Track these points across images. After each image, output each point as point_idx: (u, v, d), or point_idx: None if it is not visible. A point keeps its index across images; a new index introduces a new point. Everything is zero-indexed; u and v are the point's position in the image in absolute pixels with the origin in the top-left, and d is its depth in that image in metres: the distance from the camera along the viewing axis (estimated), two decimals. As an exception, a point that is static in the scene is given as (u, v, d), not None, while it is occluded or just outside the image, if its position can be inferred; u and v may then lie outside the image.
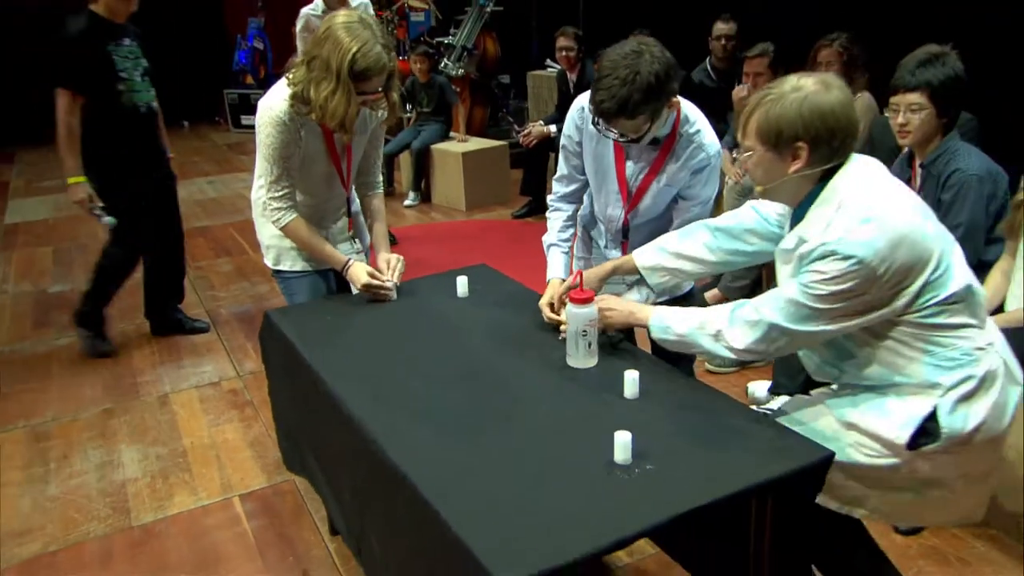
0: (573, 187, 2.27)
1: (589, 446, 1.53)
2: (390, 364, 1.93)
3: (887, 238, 1.47)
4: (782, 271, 1.67)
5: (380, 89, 2.19)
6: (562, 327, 1.95)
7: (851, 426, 1.63)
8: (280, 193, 2.28)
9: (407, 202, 6.19)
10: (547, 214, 2.34)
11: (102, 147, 3.38)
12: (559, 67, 5.72)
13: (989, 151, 2.52)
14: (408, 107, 6.26)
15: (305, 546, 2.42)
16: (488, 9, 6.87)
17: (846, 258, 1.47)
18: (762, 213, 1.89)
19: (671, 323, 1.77)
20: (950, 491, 1.64)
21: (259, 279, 4.70)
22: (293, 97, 2.15)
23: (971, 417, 1.56)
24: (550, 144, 5.48)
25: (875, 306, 1.52)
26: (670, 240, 1.99)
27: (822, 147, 1.54)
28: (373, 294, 2.30)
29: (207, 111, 9.65)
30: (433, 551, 1.41)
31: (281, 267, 2.47)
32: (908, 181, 2.63)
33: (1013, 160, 2.31)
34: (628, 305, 1.89)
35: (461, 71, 6.76)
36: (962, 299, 1.55)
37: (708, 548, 1.81)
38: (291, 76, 2.18)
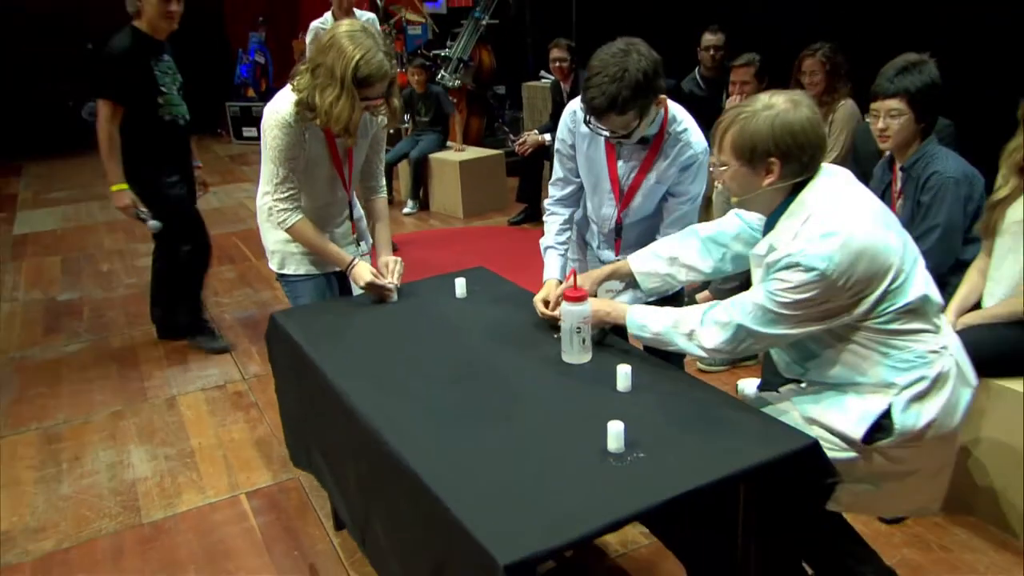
0: (569, 190, 2.31)
1: (584, 436, 1.57)
2: (392, 362, 1.97)
3: (848, 252, 1.53)
4: (755, 273, 1.74)
5: (382, 95, 2.24)
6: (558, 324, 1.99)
7: (813, 421, 1.69)
8: (286, 194, 2.32)
9: (406, 210, 6.23)
10: (544, 218, 2.39)
11: (140, 157, 3.45)
12: (553, 77, 5.78)
13: (966, 155, 2.58)
14: (406, 118, 6.31)
15: (310, 541, 2.46)
16: (484, 22, 6.93)
17: (808, 270, 1.54)
18: (745, 219, 1.94)
19: (647, 322, 1.83)
20: (905, 484, 1.71)
21: (261, 286, 4.74)
22: (298, 103, 2.20)
23: (923, 415, 1.63)
24: (545, 152, 5.53)
25: (836, 313, 1.59)
26: (665, 246, 2.04)
27: (793, 162, 1.60)
28: (375, 293, 2.34)
29: (209, 123, 9.69)
30: (436, 537, 1.45)
31: (286, 271, 2.51)
32: (889, 184, 2.68)
33: (989, 163, 2.35)
34: (605, 304, 1.94)
35: (458, 82, 6.82)
36: (918, 307, 1.62)
37: (700, 536, 1.85)
38: (296, 83, 2.23)
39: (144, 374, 3.65)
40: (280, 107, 2.24)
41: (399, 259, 2.43)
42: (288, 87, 2.26)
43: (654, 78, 1.91)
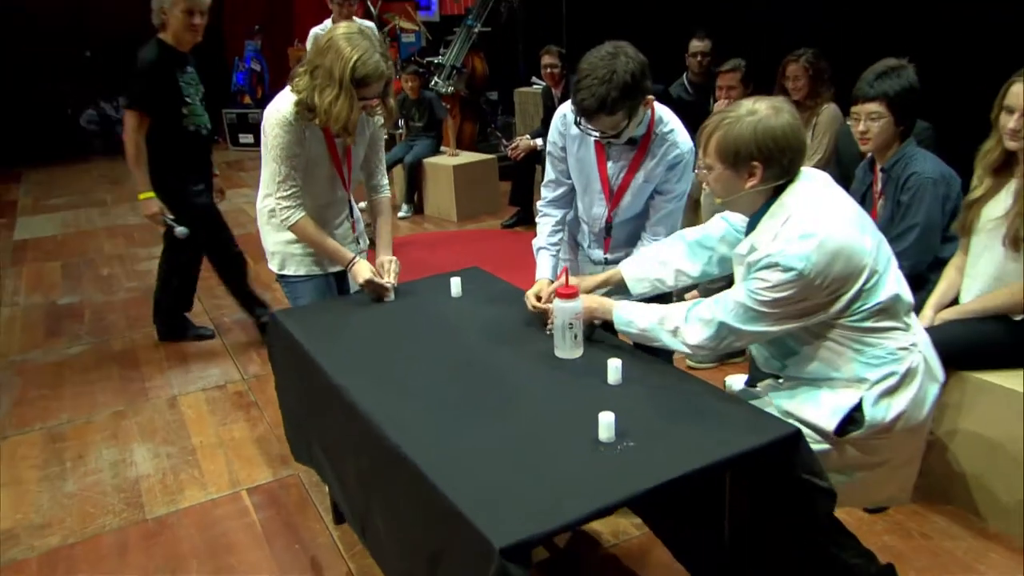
0: (560, 191, 2.35)
1: (576, 427, 1.61)
2: (391, 358, 2.01)
3: (824, 252, 1.58)
4: (737, 272, 1.79)
5: (378, 95, 2.27)
6: (548, 323, 2.03)
7: (789, 415, 1.74)
8: (288, 192, 2.35)
9: (401, 214, 6.26)
10: (537, 219, 2.42)
11: (166, 166, 3.49)
12: (544, 84, 5.82)
13: (945, 156, 2.63)
14: (400, 123, 6.35)
15: (311, 534, 2.48)
16: (476, 30, 6.97)
17: (787, 270, 1.59)
18: (731, 222, 1.99)
19: (634, 317, 1.88)
20: (876, 474, 1.77)
21: (260, 289, 4.72)
22: (298, 103, 2.24)
23: (892, 408, 1.69)
24: (537, 157, 5.57)
25: (813, 311, 1.64)
26: (654, 251, 2.09)
27: (774, 166, 1.65)
28: (372, 291, 2.37)
29: (206, 130, 9.70)
30: (435, 525, 1.48)
31: (286, 272, 2.54)
32: (871, 184, 2.73)
33: (966, 164, 2.40)
34: (593, 301, 1.98)
35: (451, 89, 6.85)
36: (890, 306, 1.67)
37: (689, 524, 1.89)
38: (295, 84, 2.27)
39: (145, 375, 3.67)
40: (281, 107, 2.28)
41: (395, 259, 2.47)
42: (288, 88, 2.30)
43: (641, 79, 1.95)
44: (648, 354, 1.96)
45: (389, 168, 6.30)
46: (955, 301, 2.42)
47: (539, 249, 2.37)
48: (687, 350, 1.80)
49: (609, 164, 2.19)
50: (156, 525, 2.57)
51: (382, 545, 1.81)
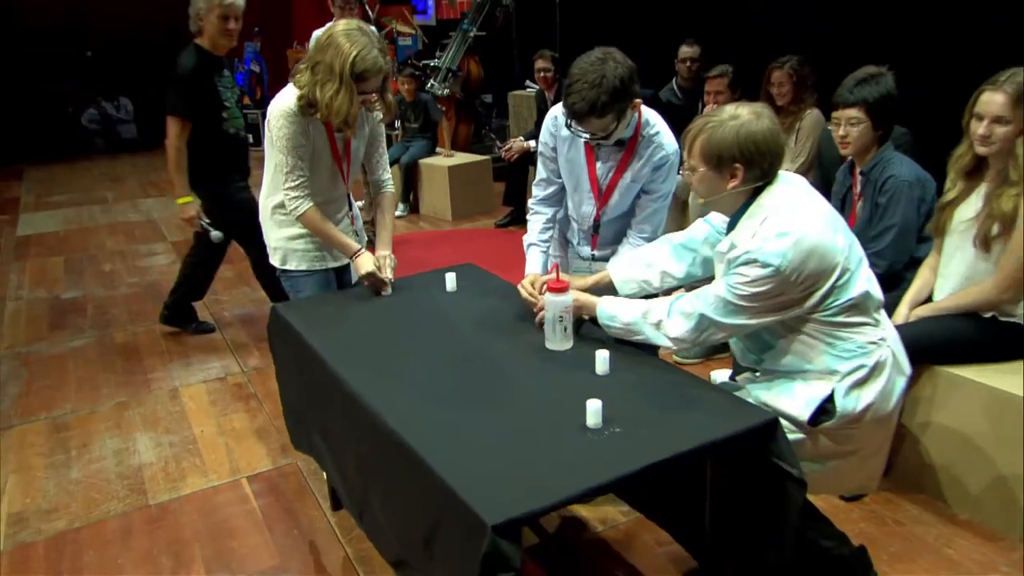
0: (551, 190, 2.41)
1: (565, 414, 1.66)
2: (388, 349, 2.05)
3: (799, 250, 1.65)
4: (718, 269, 1.85)
5: (377, 89, 2.32)
6: (538, 316, 2.08)
7: (765, 406, 1.80)
8: (296, 182, 2.39)
9: (397, 213, 6.30)
10: (527, 216, 2.47)
11: (207, 169, 3.52)
12: (537, 87, 5.89)
13: (923, 161, 2.69)
14: (396, 124, 6.39)
15: (309, 520, 2.53)
16: (472, 34, 7.02)
17: (765, 265, 1.65)
18: (713, 225, 2.05)
19: (617, 312, 1.93)
20: (847, 462, 1.83)
21: (258, 284, 4.78)
22: (300, 99, 2.29)
23: (862, 399, 1.75)
24: (530, 158, 5.62)
25: (788, 305, 1.71)
26: (641, 253, 2.14)
27: (755, 168, 1.72)
28: (372, 284, 2.42)
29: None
30: (430, 505, 1.53)
31: (287, 267, 2.58)
32: (850, 187, 2.80)
33: (941, 168, 2.47)
34: (578, 298, 2.02)
35: (447, 91, 6.90)
36: (861, 302, 1.73)
37: (679, 504, 1.94)
38: (297, 80, 2.32)
39: (147, 367, 3.71)
40: (285, 100, 2.33)
41: (392, 256, 2.51)
42: (290, 84, 2.35)
43: (630, 84, 2.01)
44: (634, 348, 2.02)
45: (386, 168, 6.40)
46: (929, 299, 2.49)
47: (529, 245, 2.42)
48: (669, 343, 1.86)
49: (598, 164, 2.25)
50: (159, 511, 2.61)
51: (379, 527, 1.85)
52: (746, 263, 1.68)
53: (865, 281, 1.75)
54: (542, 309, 2.00)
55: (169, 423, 3.19)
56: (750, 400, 1.82)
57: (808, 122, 3.90)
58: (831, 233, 1.71)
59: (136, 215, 6.66)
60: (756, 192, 1.76)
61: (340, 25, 2.29)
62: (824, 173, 3.80)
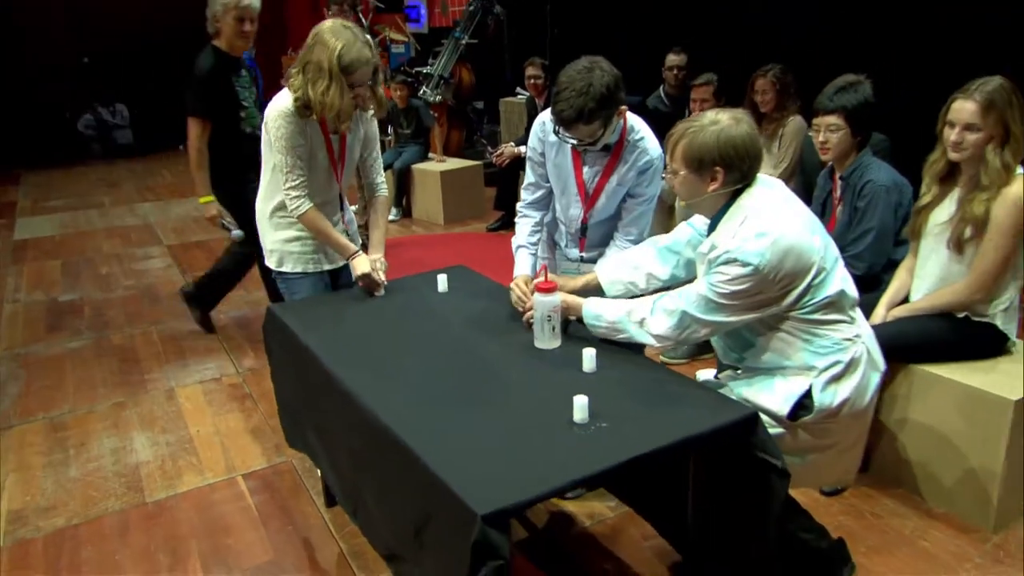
0: (539, 194, 2.44)
1: (553, 409, 1.69)
2: (382, 347, 2.08)
3: (777, 249, 1.70)
4: (700, 268, 1.89)
5: (367, 82, 2.35)
6: (527, 316, 2.11)
7: (746, 401, 1.84)
8: (296, 182, 2.41)
9: (390, 217, 6.32)
10: (516, 220, 2.51)
11: (226, 169, 3.53)
12: (528, 94, 5.92)
13: (901, 166, 2.74)
14: (388, 130, 6.42)
15: (303, 517, 2.55)
16: (463, 42, 7.05)
17: (744, 265, 1.70)
18: (696, 228, 2.09)
19: (602, 311, 1.97)
20: (826, 456, 1.88)
21: (254, 287, 4.78)
22: (296, 100, 2.32)
23: (839, 394, 1.80)
24: (521, 163, 5.64)
25: (767, 303, 1.76)
26: (628, 255, 2.18)
27: (734, 171, 1.77)
28: (367, 285, 2.44)
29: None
30: (422, 498, 1.56)
31: (283, 269, 2.60)
32: (831, 191, 2.84)
33: (918, 173, 2.51)
34: (564, 299, 2.05)
35: (439, 98, 6.93)
36: (836, 300, 1.78)
37: (662, 497, 1.98)
38: (290, 84, 2.35)
39: (144, 368, 3.72)
40: (281, 102, 2.37)
41: (383, 258, 2.53)
42: (285, 89, 2.38)
43: (616, 91, 2.05)
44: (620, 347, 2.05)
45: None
46: (906, 300, 2.53)
47: (518, 247, 2.45)
48: (653, 340, 1.90)
49: (585, 169, 2.29)
50: (156, 508, 2.63)
51: (372, 521, 1.88)
52: (726, 262, 1.72)
53: (841, 280, 1.79)
54: (531, 309, 2.04)
55: (166, 423, 3.20)
56: (732, 396, 1.86)
57: (791, 129, 3.95)
58: (808, 234, 1.75)
59: (132, 219, 6.65)
60: (736, 194, 1.80)
61: (326, 24, 2.33)
62: (806, 178, 3.86)
